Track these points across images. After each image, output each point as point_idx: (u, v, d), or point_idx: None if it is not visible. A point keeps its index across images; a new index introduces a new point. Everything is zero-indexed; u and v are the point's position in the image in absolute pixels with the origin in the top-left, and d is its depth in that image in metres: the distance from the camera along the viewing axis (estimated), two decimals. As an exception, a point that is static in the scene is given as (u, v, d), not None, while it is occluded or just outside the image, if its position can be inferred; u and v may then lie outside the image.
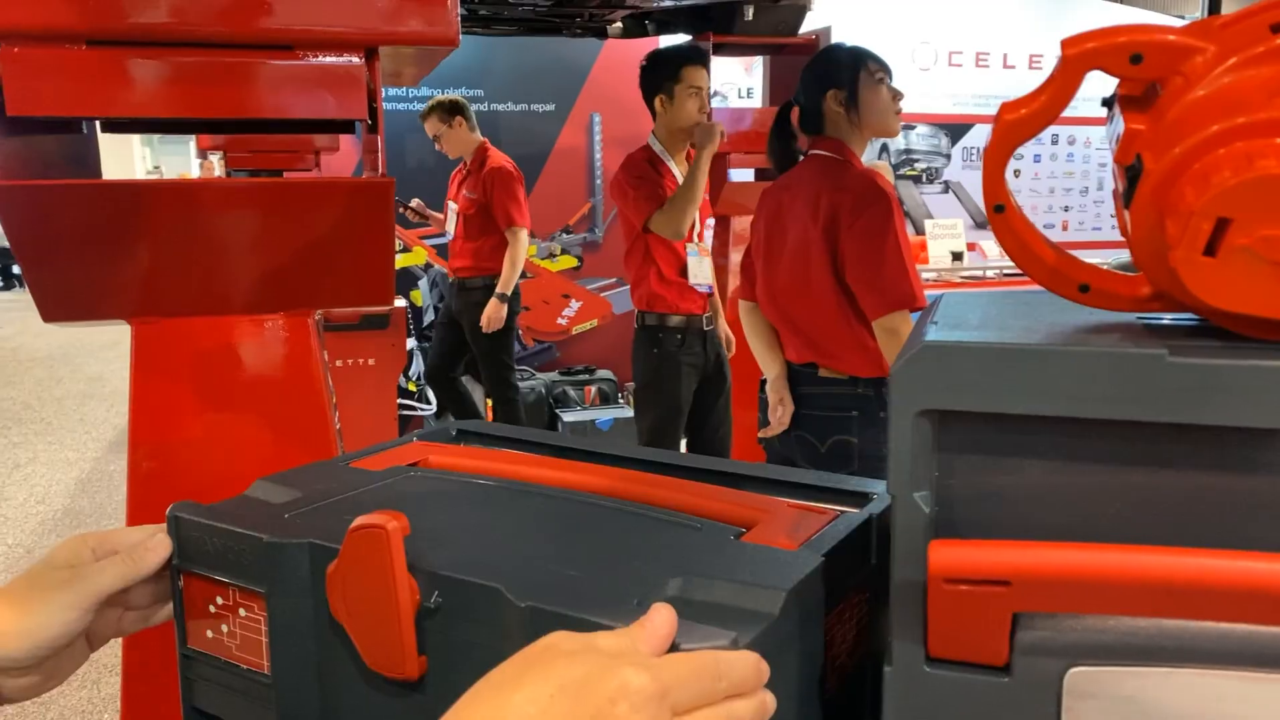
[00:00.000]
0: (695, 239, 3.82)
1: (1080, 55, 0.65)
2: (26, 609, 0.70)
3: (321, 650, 0.80)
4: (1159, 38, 0.63)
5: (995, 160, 0.69)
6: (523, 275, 6.52)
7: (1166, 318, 0.72)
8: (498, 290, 4.80)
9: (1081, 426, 0.61)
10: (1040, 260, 0.71)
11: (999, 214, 0.70)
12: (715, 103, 4.54)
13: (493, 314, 4.79)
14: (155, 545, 0.80)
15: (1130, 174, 0.64)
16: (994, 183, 0.70)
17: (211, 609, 0.86)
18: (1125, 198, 0.65)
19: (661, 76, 3.70)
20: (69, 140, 1.35)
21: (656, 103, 3.72)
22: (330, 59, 1.12)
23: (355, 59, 1.12)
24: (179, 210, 1.22)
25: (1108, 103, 0.71)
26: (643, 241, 3.68)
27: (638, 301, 3.81)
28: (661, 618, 0.57)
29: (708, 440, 3.95)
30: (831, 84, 2.70)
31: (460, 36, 1.12)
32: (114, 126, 1.48)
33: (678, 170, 3.81)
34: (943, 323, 0.70)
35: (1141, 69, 0.63)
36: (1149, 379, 0.59)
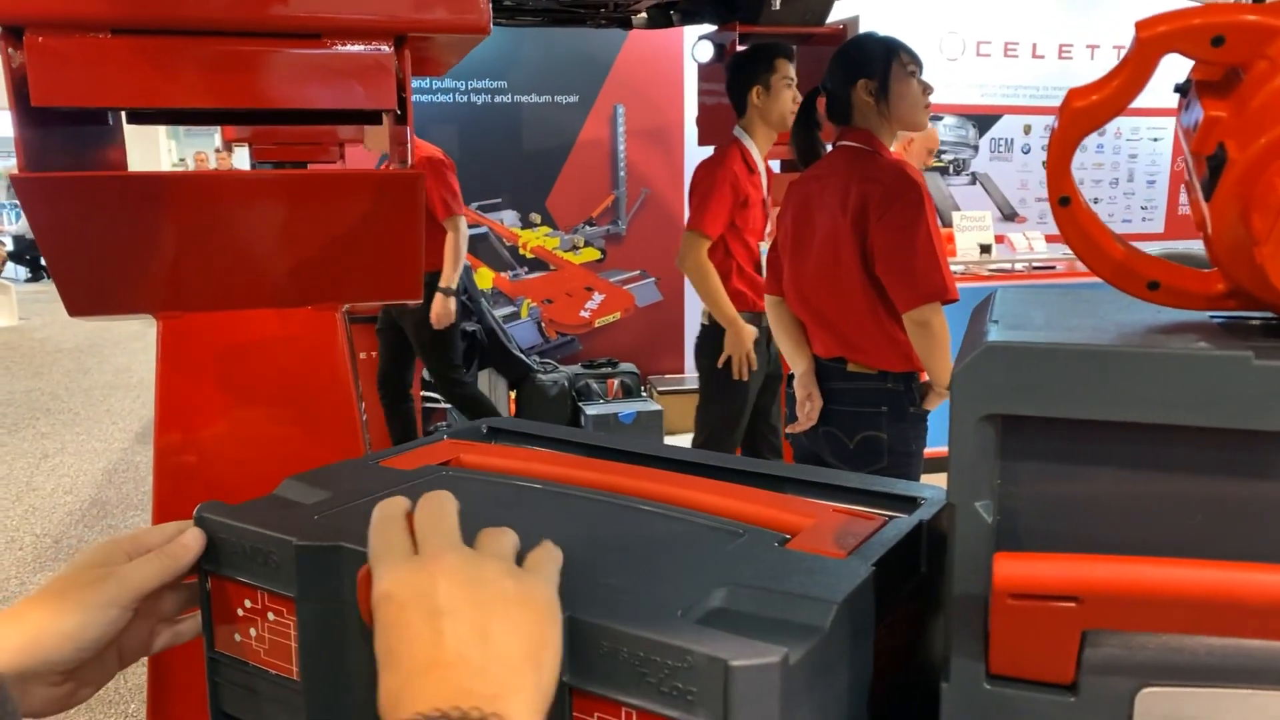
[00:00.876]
0: (768, 235, 3.78)
1: (1156, 38, 0.61)
2: (65, 611, 0.68)
3: (352, 656, 0.78)
4: (1242, 18, 0.59)
5: (1061, 150, 0.65)
6: (546, 268, 6.51)
7: (1240, 316, 0.68)
8: (441, 285, 4.48)
9: (1158, 433, 0.58)
10: (1107, 256, 0.68)
11: (1064, 207, 0.66)
12: (741, 93, 4.49)
13: (441, 310, 4.50)
14: (189, 540, 0.78)
15: (1212, 164, 0.60)
16: (1059, 174, 0.66)
17: (239, 612, 0.84)
18: (1205, 189, 0.61)
19: (757, 69, 3.65)
20: (94, 132, 1.33)
21: (753, 95, 3.65)
22: (359, 48, 1.09)
23: (384, 47, 1.09)
24: (205, 202, 1.20)
25: (1182, 89, 0.67)
26: (723, 238, 3.62)
27: None
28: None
29: (761, 439, 3.90)
30: (863, 73, 2.65)
31: (492, 25, 1.09)
32: (139, 118, 1.46)
33: (763, 166, 3.77)
34: (1003, 322, 0.67)
35: (1223, 52, 0.60)
36: (1234, 383, 0.55)
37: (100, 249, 1.18)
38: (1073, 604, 0.57)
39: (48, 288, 13.61)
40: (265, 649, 0.83)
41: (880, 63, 2.63)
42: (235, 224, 1.22)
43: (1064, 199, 0.66)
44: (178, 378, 1.24)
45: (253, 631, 0.83)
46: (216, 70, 1.10)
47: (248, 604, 0.83)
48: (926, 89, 2.67)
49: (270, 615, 0.82)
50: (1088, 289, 0.81)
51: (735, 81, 3.73)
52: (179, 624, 0.80)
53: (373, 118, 1.43)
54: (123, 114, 1.40)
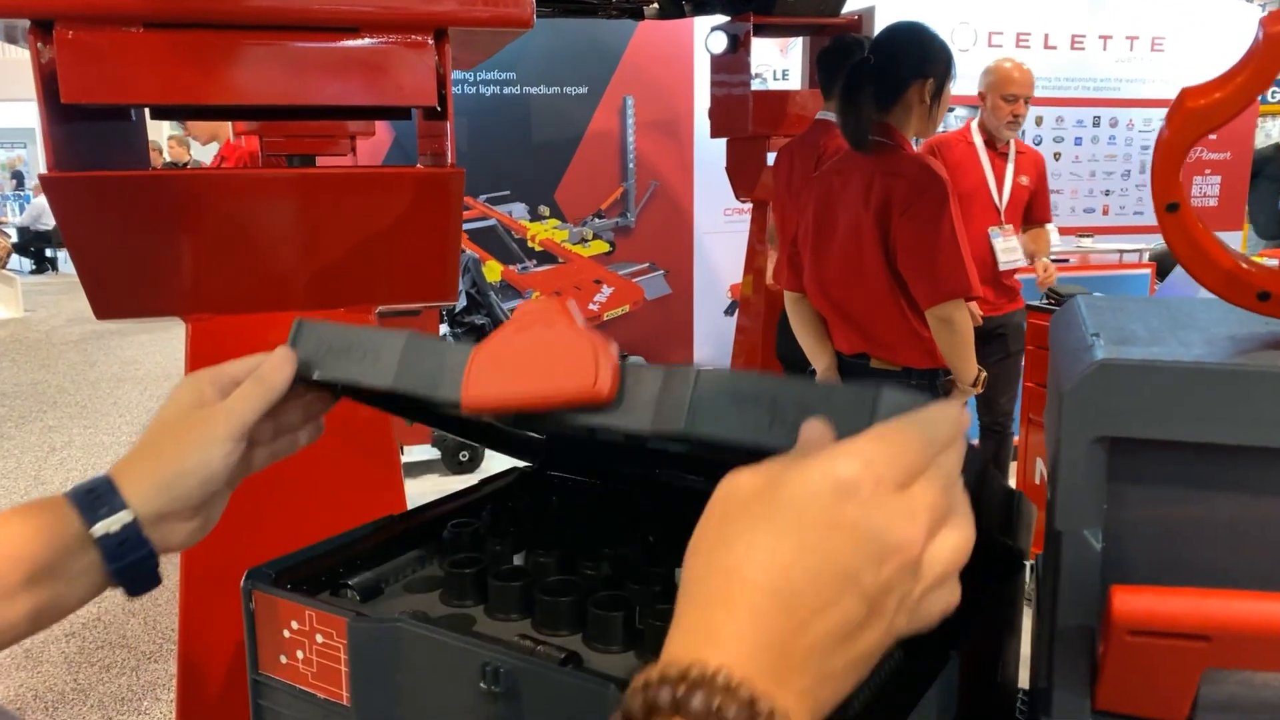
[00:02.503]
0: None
1: (1283, 34, 0.57)
2: (185, 452, 0.69)
3: (406, 680, 0.74)
4: (1377, 14, 0.55)
5: (1172, 154, 0.61)
6: (554, 260, 6.46)
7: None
8: None
9: (1289, 458, 0.54)
10: (1215, 265, 0.64)
11: (1172, 213, 0.63)
12: (754, 85, 4.44)
13: None
14: (280, 363, 0.74)
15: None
16: (1168, 178, 0.62)
17: (286, 633, 0.81)
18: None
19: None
20: (119, 128, 1.29)
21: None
22: (398, 41, 1.05)
23: (425, 41, 1.05)
24: (237, 202, 1.16)
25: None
26: None
27: None
28: (817, 431, 0.49)
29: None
30: (929, 72, 2.57)
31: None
32: (163, 113, 1.42)
33: None
34: (1106, 335, 0.63)
35: (1355, 49, 0.56)
36: (1376, 406, 0.52)
37: (129, 250, 1.15)
38: (1201, 643, 0.53)
39: (52, 280, 13.57)
40: (314, 672, 0.80)
41: (943, 66, 2.58)
42: (267, 224, 1.18)
43: (1172, 205, 0.62)
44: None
45: (300, 653, 0.80)
46: (252, 65, 1.06)
47: (294, 625, 0.80)
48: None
49: (319, 637, 0.79)
50: (1189, 301, 0.78)
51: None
52: (275, 444, 0.78)
53: (403, 113, 1.39)
54: (146, 109, 1.36)
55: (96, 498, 0.66)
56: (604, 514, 0.98)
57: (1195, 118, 0.59)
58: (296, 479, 1.28)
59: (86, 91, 0.99)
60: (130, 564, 0.66)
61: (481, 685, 0.69)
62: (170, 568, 1.52)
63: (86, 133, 1.15)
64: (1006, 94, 3.81)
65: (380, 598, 0.88)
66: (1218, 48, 6.97)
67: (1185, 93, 0.60)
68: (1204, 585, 0.56)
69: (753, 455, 0.47)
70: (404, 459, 5.19)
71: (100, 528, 0.65)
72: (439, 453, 5.17)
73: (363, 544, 0.93)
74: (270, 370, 0.73)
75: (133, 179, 1.10)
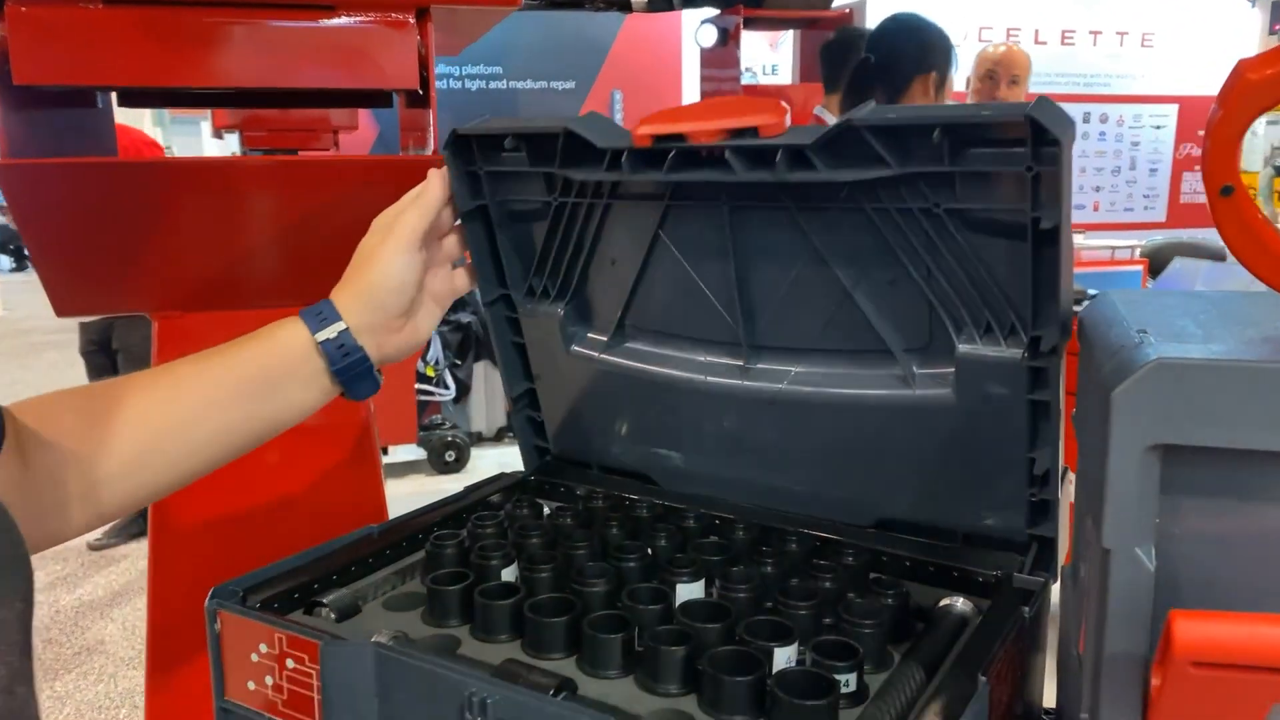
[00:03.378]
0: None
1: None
2: (370, 268, 0.84)
3: (386, 711, 0.68)
4: None
5: (1228, 132, 0.56)
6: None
7: None
8: None
9: (1371, 469, 0.48)
10: (1270, 253, 0.58)
11: (1226, 197, 0.57)
12: (744, 79, 4.38)
13: None
14: (434, 180, 0.88)
15: None
16: (1224, 159, 0.56)
17: (254, 657, 0.74)
18: None
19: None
20: (82, 115, 1.22)
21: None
22: (378, 20, 0.99)
23: (406, 20, 0.99)
24: (205, 192, 1.09)
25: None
26: None
27: None
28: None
29: None
30: (931, 65, 2.51)
31: (522, -5, 0.98)
32: (131, 99, 1.35)
33: None
34: (1155, 333, 0.57)
35: None
36: None
37: (90, 243, 1.08)
38: (1272, 675, 0.47)
39: (32, 277, 13.38)
40: (284, 699, 0.73)
41: (944, 58, 2.52)
42: (239, 215, 1.11)
43: (1227, 188, 0.56)
44: (177, 384, 1.13)
45: (269, 679, 0.74)
46: (222, 46, 0.99)
47: (263, 649, 0.74)
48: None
49: (290, 662, 0.72)
50: (1234, 295, 0.72)
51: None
52: (444, 271, 0.91)
53: (383, 100, 1.32)
54: (113, 95, 1.29)
55: (318, 314, 0.82)
56: (602, 525, 0.92)
57: (1255, 92, 0.54)
58: (273, 486, 1.21)
59: (40, 73, 0.92)
60: (348, 366, 0.81)
61: (466, 717, 0.63)
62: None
63: (46, 119, 1.08)
64: (987, 72, 3.44)
65: (358, 617, 0.81)
66: (1208, 43, 6.96)
67: (1243, 64, 0.54)
68: (1268, 610, 0.50)
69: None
70: (388, 459, 5.11)
71: (321, 334, 0.80)
72: (424, 452, 5.09)
73: (339, 558, 0.87)
74: (425, 188, 0.87)
75: (91, 166, 1.03)
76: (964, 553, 0.85)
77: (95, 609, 3.69)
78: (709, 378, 0.94)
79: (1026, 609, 0.75)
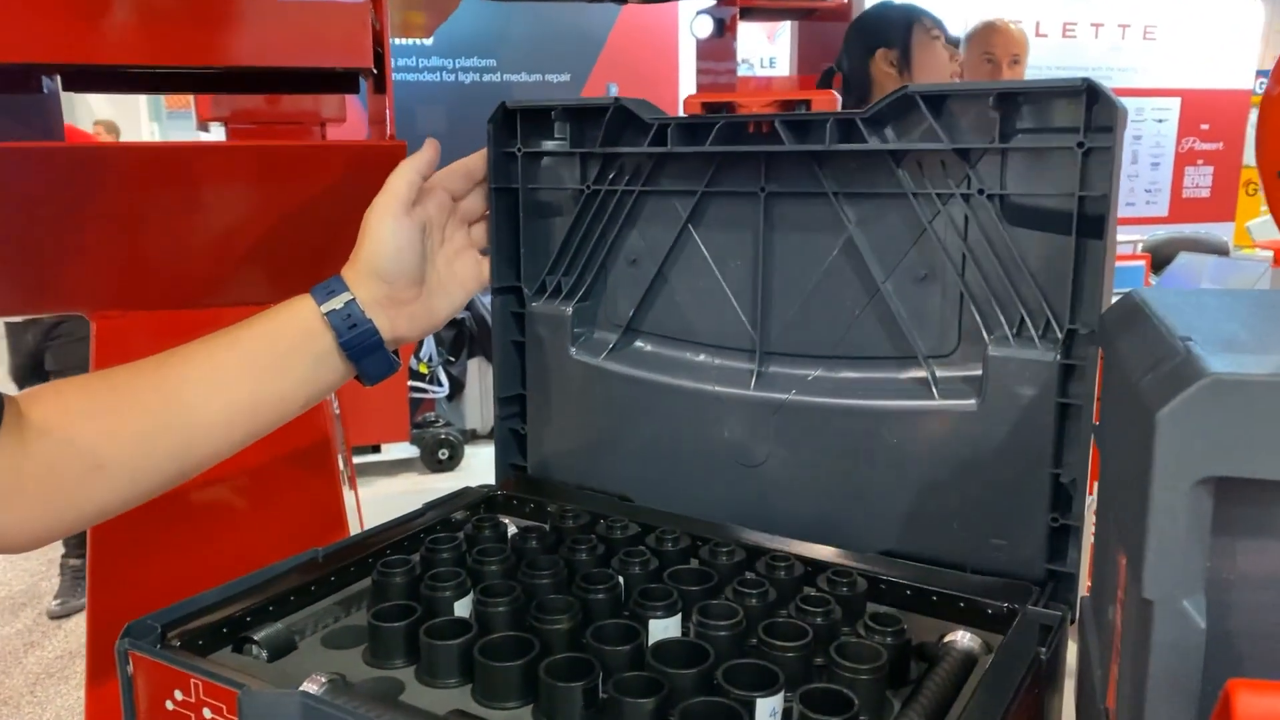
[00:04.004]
0: None
1: None
2: (369, 237, 0.81)
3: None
4: None
5: (1291, 102, 0.47)
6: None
7: None
8: None
9: None
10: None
11: (1286, 181, 0.48)
12: (741, 71, 4.29)
13: None
14: (426, 147, 0.85)
15: None
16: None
17: (170, 705, 0.66)
18: None
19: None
20: (26, 102, 1.13)
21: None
22: (326, -8, 0.90)
23: (357, -8, 0.90)
24: (149, 179, 1.00)
25: None
26: None
27: None
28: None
29: None
30: (881, 42, 2.43)
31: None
32: (77, 83, 1.26)
33: None
34: (1202, 340, 0.48)
35: None
36: None
37: (21, 236, 0.99)
38: (1358, 764, 0.38)
39: None
40: (203, 754, 0.65)
41: (900, 29, 2.42)
42: (187, 205, 1.02)
43: (1287, 170, 0.47)
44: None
45: (187, 730, 0.65)
46: (160, 22, 0.90)
47: (179, 695, 0.65)
48: (954, 54, 2.45)
49: (207, 712, 0.64)
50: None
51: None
52: (454, 231, 0.88)
53: (348, 85, 1.23)
54: (58, 80, 1.20)
55: (327, 288, 0.79)
56: (570, 549, 0.83)
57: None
58: (225, 503, 1.12)
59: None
60: (356, 339, 0.77)
61: (402, 783, 0.55)
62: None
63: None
64: (983, 54, 3.16)
65: (293, 654, 0.73)
66: (1210, 36, 6.87)
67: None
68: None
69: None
70: (381, 457, 5.02)
71: (327, 305, 0.77)
72: (417, 450, 5.01)
73: (278, 586, 0.78)
74: (417, 153, 0.84)
75: (23, 151, 0.94)
76: (971, 582, 0.76)
77: (57, 677, 3.39)
78: (716, 386, 0.90)
79: (1044, 648, 0.66)
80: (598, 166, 0.94)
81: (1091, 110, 0.71)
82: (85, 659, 1.05)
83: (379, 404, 4.70)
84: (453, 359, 5.46)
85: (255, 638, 0.72)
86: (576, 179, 0.95)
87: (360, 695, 0.65)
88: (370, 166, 0.94)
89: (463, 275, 0.87)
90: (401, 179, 0.82)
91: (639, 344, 0.96)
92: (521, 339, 1.00)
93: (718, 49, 4.28)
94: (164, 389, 0.72)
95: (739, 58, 4.25)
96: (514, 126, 0.95)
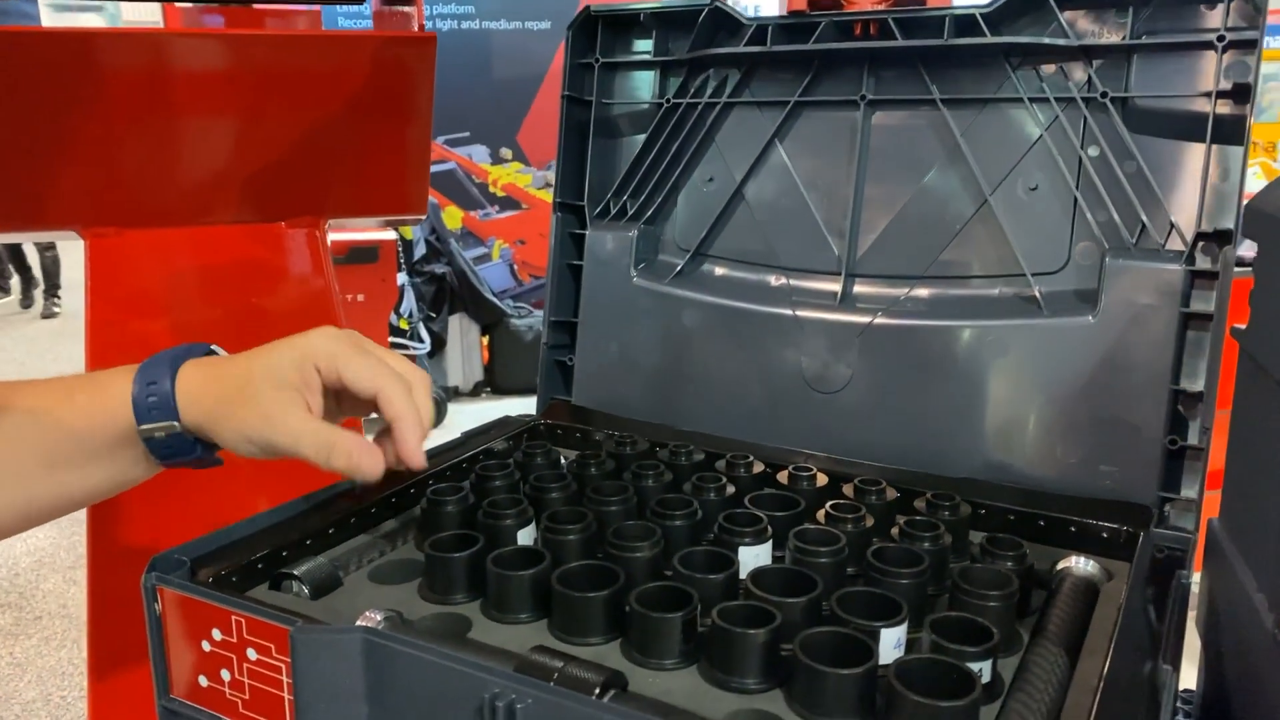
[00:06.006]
0: None
1: None
2: (242, 419, 0.64)
3: (378, 715, 0.52)
4: None
5: None
6: (518, 206, 6.17)
7: None
8: None
9: None
10: None
11: None
12: None
13: None
14: (375, 461, 0.63)
15: None
16: None
17: (206, 646, 0.58)
18: None
19: None
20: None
21: None
22: None
23: None
24: (147, 74, 0.90)
25: None
26: None
27: None
28: None
29: None
30: None
31: None
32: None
33: None
34: None
35: None
36: None
37: (14, 139, 0.89)
38: None
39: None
40: (245, 699, 0.57)
41: None
42: (187, 106, 0.93)
43: None
44: (112, 314, 0.95)
45: (226, 674, 0.58)
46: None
47: (217, 635, 0.57)
48: None
49: (252, 652, 0.56)
50: None
51: None
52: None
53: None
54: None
55: (150, 395, 0.64)
56: (636, 477, 0.75)
57: None
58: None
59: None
60: (177, 459, 0.65)
61: (487, 724, 0.47)
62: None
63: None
64: None
65: (338, 592, 0.65)
66: None
67: None
68: None
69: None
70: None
71: (146, 430, 0.64)
72: (399, 410, 4.91)
73: (313, 519, 0.70)
74: (349, 456, 0.62)
75: (6, 36, 0.83)
76: (1081, 505, 0.70)
77: (58, 572, 3.51)
78: (795, 310, 0.83)
79: (1183, 571, 0.60)
80: (680, 78, 0.89)
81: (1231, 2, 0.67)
82: (86, 608, 0.97)
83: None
84: (433, 315, 5.35)
85: (296, 573, 0.64)
86: (655, 92, 0.91)
87: (427, 632, 0.58)
88: (399, 60, 0.85)
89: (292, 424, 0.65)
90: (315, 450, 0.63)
91: (708, 267, 0.90)
92: (579, 262, 0.93)
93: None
94: None
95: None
96: (594, 35, 0.90)
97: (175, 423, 0.63)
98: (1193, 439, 0.69)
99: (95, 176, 0.94)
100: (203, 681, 0.59)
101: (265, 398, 0.63)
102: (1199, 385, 0.68)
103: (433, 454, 0.83)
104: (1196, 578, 0.69)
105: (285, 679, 0.55)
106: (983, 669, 0.52)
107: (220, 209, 0.98)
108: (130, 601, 0.90)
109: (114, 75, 0.88)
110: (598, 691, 0.50)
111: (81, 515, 1.06)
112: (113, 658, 0.98)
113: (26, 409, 0.64)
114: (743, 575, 0.61)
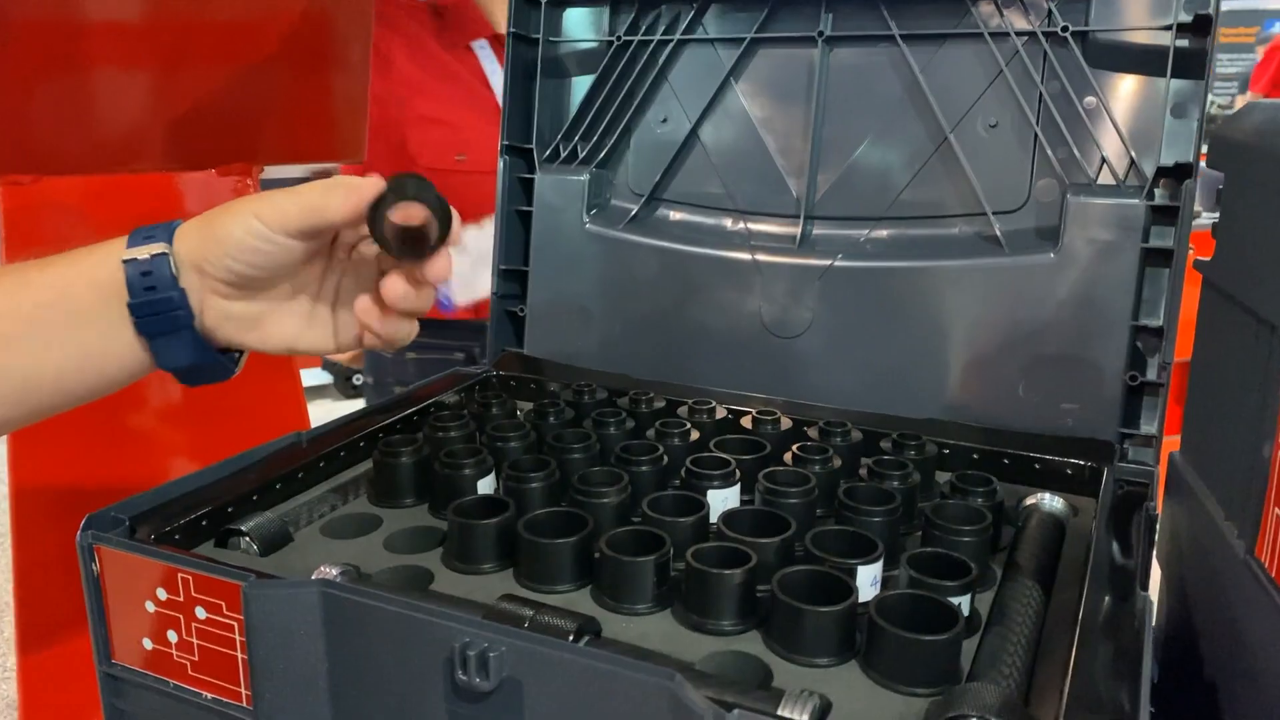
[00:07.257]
0: None
1: None
2: (221, 218, 0.57)
3: (341, 672, 0.50)
4: None
5: None
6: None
7: None
8: None
9: None
10: None
11: None
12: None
13: None
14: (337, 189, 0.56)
15: None
16: None
17: (150, 606, 0.55)
18: None
19: None
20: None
21: None
22: None
23: None
24: (61, 17, 0.84)
25: None
26: None
27: None
28: None
29: None
30: None
31: None
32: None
33: None
34: None
35: None
36: None
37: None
38: None
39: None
40: (194, 661, 0.54)
41: None
42: (105, 50, 0.87)
43: None
44: (31, 265, 0.89)
45: (173, 635, 0.54)
46: None
47: (162, 594, 0.54)
48: None
49: (201, 611, 0.53)
50: None
51: None
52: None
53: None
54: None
55: (148, 233, 0.57)
56: (596, 425, 0.73)
57: None
58: (171, 395, 0.99)
59: None
60: (150, 303, 0.55)
61: (461, 676, 0.45)
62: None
63: None
64: None
65: (289, 548, 0.62)
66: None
67: None
68: None
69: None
70: (294, 384, 4.81)
71: (130, 252, 0.56)
72: (330, 377, 4.80)
73: (259, 473, 0.67)
74: (328, 197, 0.56)
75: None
76: (1044, 443, 0.70)
77: None
78: (753, 254, 0.81)
79: (1150, 503, 0.60)
80: (631, 15, 0.85)
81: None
82: (12, 576, 0.92)
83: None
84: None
85: (243, 529, 0.61)
86: (605, 29, 0.87)
87: (387, 584, 0.55)
88: (328, 7, 0.81)
89: (310, 333, 0.61)
90: (297, 216, 0.56)
91: (662, 212, 0.88)
92: (528, 208, 0.89)
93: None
94: None
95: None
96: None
97: (164, 244, 0.55)
98: (1151, 375, 0.69)
99: (6, 122, 0.88)
100: (147, 644, 0.56)
101: (256, 197, 0.57)
102: (1159, 321, 0.68)
103: (380, 408, 0.79)
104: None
105: (238, 637, 0.52)
106: (962, 603, 0.51)
107: (145, 156, 0.93)
108: (60, 564, 0.85)
109: (23, 18, 0.81)
110: (572, 637, 0.48)
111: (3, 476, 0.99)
112: (40, 628, 0.93)
113: (10, 269, 0.57)
114: (713, 519, 0.60)
